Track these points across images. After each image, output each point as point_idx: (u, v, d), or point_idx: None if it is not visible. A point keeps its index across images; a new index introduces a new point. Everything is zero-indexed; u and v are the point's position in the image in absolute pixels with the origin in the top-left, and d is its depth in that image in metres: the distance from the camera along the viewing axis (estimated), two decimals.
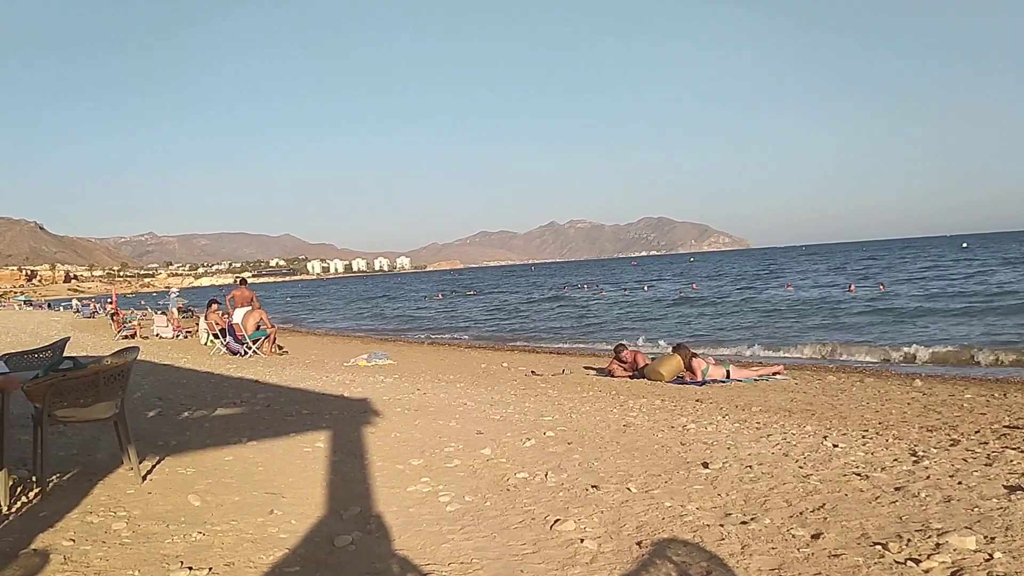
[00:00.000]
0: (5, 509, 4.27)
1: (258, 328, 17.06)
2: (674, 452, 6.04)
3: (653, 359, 12.66)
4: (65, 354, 6.25)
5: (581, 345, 21.15)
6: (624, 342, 14.09)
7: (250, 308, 17.39)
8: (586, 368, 13.84)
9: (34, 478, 4.66)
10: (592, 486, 5.03)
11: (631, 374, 12.47)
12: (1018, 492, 4.57)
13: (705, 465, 5.52)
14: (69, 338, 8.35)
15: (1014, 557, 3.51)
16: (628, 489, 4.94)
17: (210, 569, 3.60)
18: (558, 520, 4.31)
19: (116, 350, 5.04)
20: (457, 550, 3.92)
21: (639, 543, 3.95)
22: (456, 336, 27.16)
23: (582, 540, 4.00)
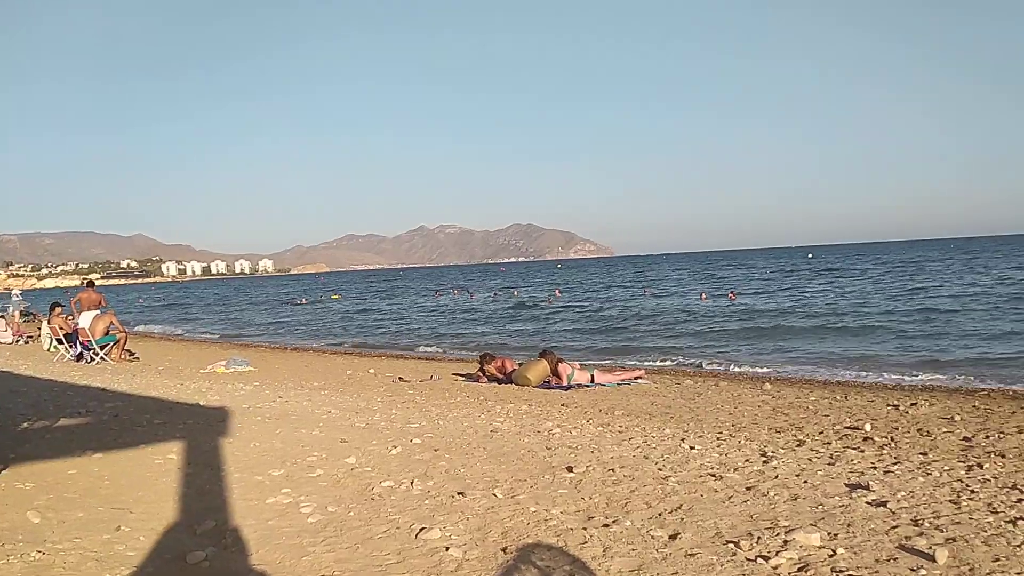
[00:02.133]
0: None
1: (107, 333, 16.10)
2: (540, 457, 6.11)
3: (520, 364, 12.79)
4: None
5: (450, 351, 21.13)
6: (490, 351, 14.17)
7: (98, 312, 16.38)
8: (455, 374, 13.83)
9: None
10: (458, 493, 5.01)
11: (500, 379, 12.55)
12: (858, 490, 4.88)
13: (570, 469, 5.61)
14: None
15: (855, 552, 3.74)
16: (494, 495, 4.95)
17: None
18: (423, 528, 4.26)
19: None
20: (318, 563, 3.81)
21: (504, 549, 3.96)
22: (321, 342, 26.55)
23: (447, 548, 3.97)
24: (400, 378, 13.03)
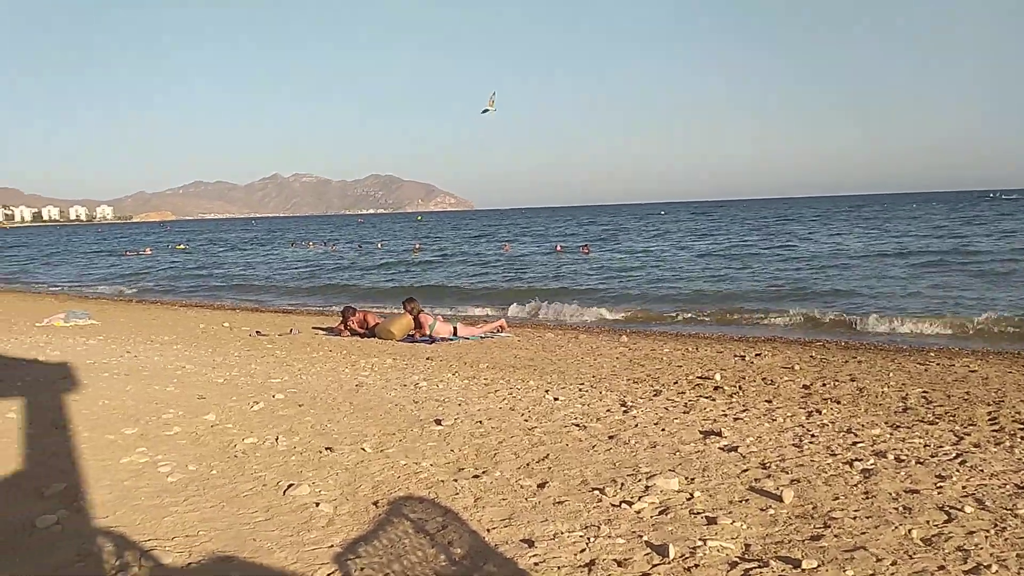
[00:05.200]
0: None
1: None
2: (407, 410, 6.10)
3: (383, 318, 12.68)
4: None
5: (308, 304, 20.65)
6: (351, 305, 13.97)
7: None
8: (314, 328, 13.54)
9: None
10: (326, 448, 4.95)
11: (362, 333, 12.40)
12: (712, 436, 5.17)
13: (438, 422, 5.64)
14: None
15: (711, 495, 3.98)
16: (363, 449, 4.92)
17: None
18: (292, 485, 4.18)
19: None
20: (181, 523, 3.68)
21: (376, 503, 3.96)
22: (168, 294, 25.31)
23: (317, 504, 3.92)
24: (258, 332, 12.63)
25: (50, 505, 3.86)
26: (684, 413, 5.99)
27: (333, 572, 3.18)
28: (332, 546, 3.42)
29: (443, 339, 11.67)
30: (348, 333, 12.48)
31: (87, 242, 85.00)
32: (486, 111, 17.45)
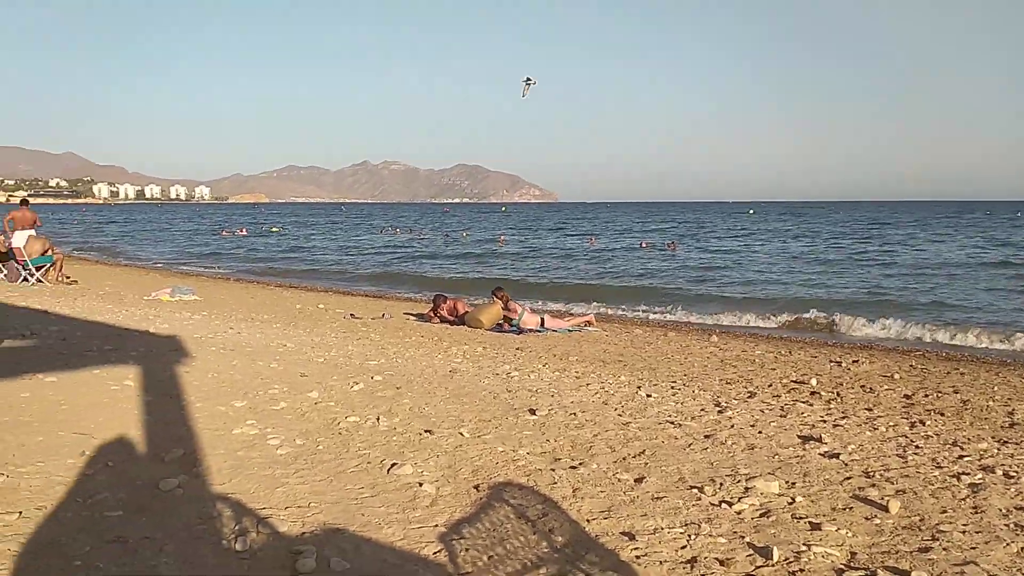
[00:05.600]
0: None
1: (44, 253, 15.59)
2: (501, 398, 6.19)
3: (473, 306, 12.84)
4: None
5: (396, 291, 21.04)
6: (442, 292, 14.19)
7: (33, 232, 15.87)
8: (405, 313, 13.81)
9: None
10: (425, 431, 5.06)
11: (452, 320, 12.58)
12: (811, 442, 5.09)
13: (532, 411, 5.71)
14: None
15: (813, 501, 3.93)
16: (461, 434, 5.02)
17: (20, 513, 3.32)
18: (395, 464, 4.31)
19: None
20: (293, 494, 3.83)
21: (476, 487, 4.04)
22: (264, 274, 26.15)
23: (420, 484, 4.03)
24: (352, 315, 12.96)
25: (170, 470, 4.07)
26: (781, 417, 5.91)
27: (439, 551, 3.27)
28: (436, 526, 3.52)
29: (530, 330, 11.75)
30: (438, 320, 12.69)
31: (185, 220, 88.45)
32: (528, 86, 17.11)
